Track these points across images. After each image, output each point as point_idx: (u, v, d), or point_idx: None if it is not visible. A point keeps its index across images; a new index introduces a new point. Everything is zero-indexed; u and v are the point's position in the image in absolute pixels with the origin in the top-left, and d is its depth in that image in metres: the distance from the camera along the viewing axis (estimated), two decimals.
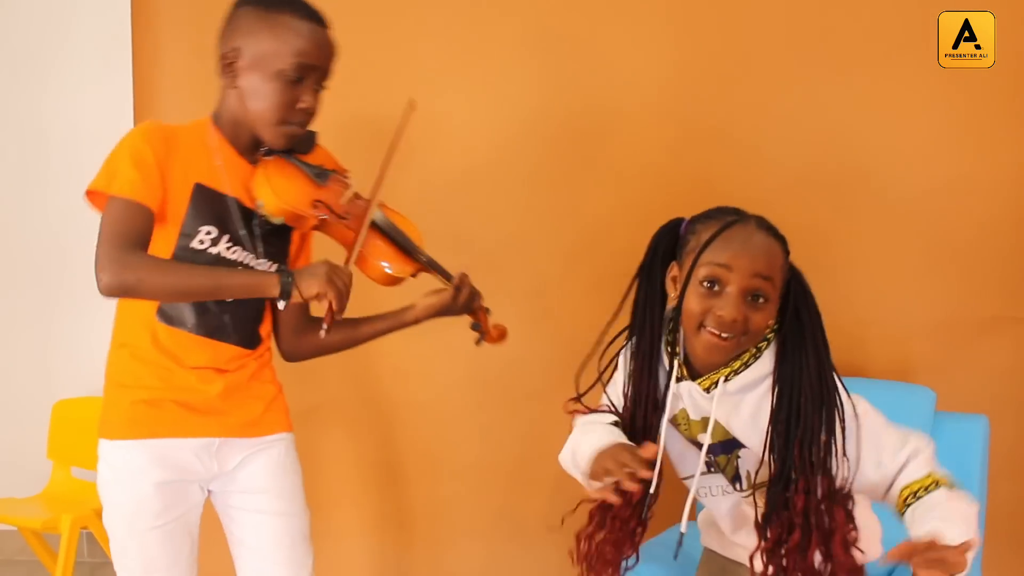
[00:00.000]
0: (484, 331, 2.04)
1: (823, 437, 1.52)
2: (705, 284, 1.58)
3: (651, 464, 1.48)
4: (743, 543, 1.71)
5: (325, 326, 1.70)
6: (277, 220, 1.82)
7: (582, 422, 1.74)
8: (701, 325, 1.58)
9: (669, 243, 1.68)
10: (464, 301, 1.95)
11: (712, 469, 1.68)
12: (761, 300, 1.57)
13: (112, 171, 1.70)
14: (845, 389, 1.58)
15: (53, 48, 3.50)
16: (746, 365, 1.61)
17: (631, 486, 1.42)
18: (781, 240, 1.64)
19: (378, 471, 3.13)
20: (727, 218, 1.61)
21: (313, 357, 2.02)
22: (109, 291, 1.64)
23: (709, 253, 1.58)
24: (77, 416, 3.42)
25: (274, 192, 1.77)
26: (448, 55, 3.00)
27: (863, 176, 2.90)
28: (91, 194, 1.74)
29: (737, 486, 1.67)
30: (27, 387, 3.59)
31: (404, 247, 1.93)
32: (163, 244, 1.76)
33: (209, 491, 1.89)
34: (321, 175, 1.85)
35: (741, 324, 1.56)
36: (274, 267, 1.85)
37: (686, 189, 2.77)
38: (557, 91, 2.96)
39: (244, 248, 1.81)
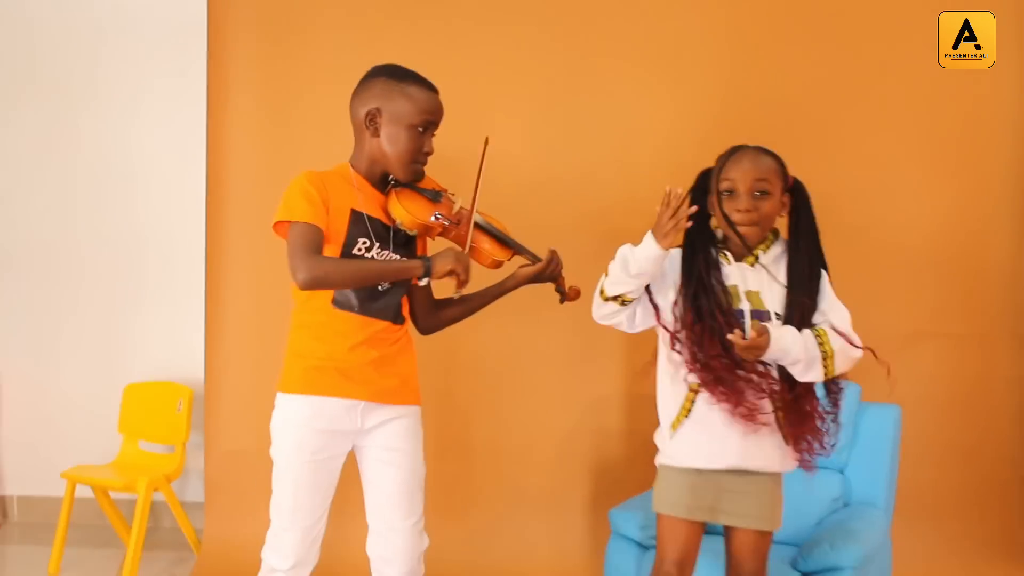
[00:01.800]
0: (564, 292, 2.53)
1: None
2: (725, 193, 2.24)
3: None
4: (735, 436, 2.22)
5: (458, 291, 2.30)
6: (413, 232, 2.39)
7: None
8: (731, 223, 2.23)
9: (703, 182, 2.33)
10: (552, 271, 2.47)
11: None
12: (762, 194, 2.23)
13: (290, 206, 2.24)
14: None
15: (136, 84, 4.11)
16: (769, 246, 2.26)
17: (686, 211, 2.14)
18: (772, 155, 2.28)
19: None
20: (733, 149, 2.28)
21: (441, 328, 2.56)
22: (306, 285, 2.17)
23: (723, 172, 2.25)
24: (144, 397, 3.96)
25: (408, 212, 2.34)
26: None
27: (840, 226, 3.40)
28: (276, 225, 2.30)
29: None
30: (101, 373, 4.13)
31: (501, 239, 2.47)
32: (332, 254, 2.31)
33: (355, 446, 2.41)
34: (436, 195, 2.41)
35: (755, 213, 2.22)
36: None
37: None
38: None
39: (389, 251, 2.37)
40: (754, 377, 2.17)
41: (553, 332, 3.55)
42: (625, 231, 3.38)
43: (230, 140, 3.70)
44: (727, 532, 2.28)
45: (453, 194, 2.46)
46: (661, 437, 2.33)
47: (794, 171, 3.25)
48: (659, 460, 2.34)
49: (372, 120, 2.32)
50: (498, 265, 2.49)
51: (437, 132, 2.40)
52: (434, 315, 2.54)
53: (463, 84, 3.37)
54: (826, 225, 3.34)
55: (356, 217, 2.31)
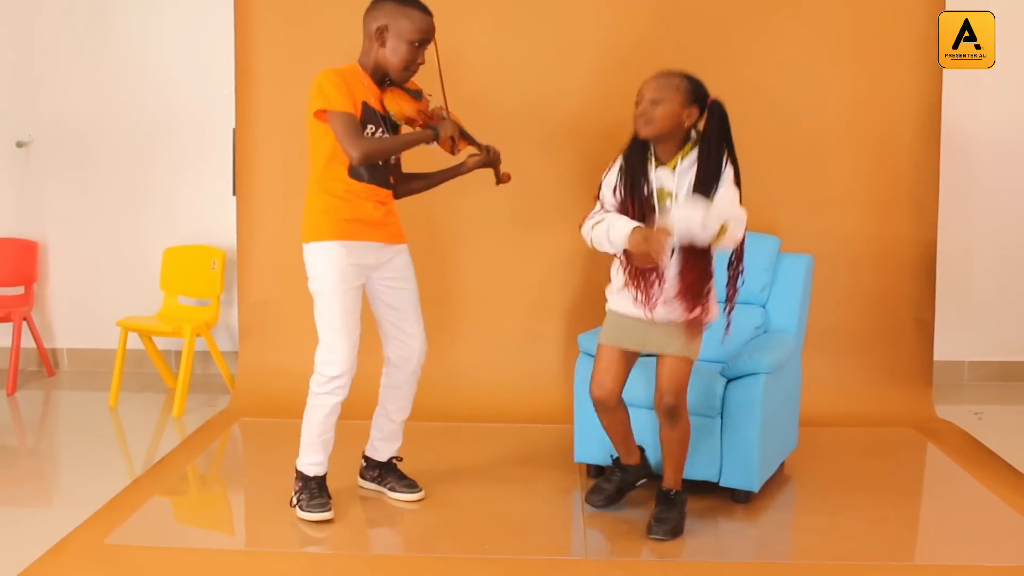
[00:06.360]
0: (499, 177, 3.12)
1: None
2: (635, 104, 2.80)
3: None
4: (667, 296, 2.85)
5: (457, 150, 2.96)
6: (400, 122, 3.01)
7: (593, 216, 2.90)
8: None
9: None
10: (492, 160, 3.09)
11: None
12: (654, 103, 2.75)
13: (328, 97, 2.83)
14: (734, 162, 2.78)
15: None
16: (687, 154, 2.79)
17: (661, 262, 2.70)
18: (678, 76, 2.78)
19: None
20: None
21: (408, 195, 3.19)
22: (361, 161, 2.82)
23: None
24: (181, 259, 4.59)
25: (399, 107, 2.97)
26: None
27: (772, 111, 4.07)
28: (317, 112, 2.88)
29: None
30: (140, 240, 4.73)
31: (464, 135, 3.08)
32: None
33: (368, 279, 3.05)
34: (417, 95, 3.05)
35: (649, 114, 2.76)
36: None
37: None
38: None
39: (386, 135, 2.98)
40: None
41: (527, 199, 4.14)
42: (561, 127, 4.12)
43: (256, 22, 4.20)
44: (656, 359, 2.94)
45: (430, 95, 3.05)
46: (609, 290, 3.02)
47: (728, 76, 3.86)
48: (607, 307, 3.03)
49: (381, 34, 2.90)
50: (457, 151, 3.05)
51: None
52: (405, 185, 3.17)
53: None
54: (762, 115, 4.05)
55: (368, 108, 2.93)
